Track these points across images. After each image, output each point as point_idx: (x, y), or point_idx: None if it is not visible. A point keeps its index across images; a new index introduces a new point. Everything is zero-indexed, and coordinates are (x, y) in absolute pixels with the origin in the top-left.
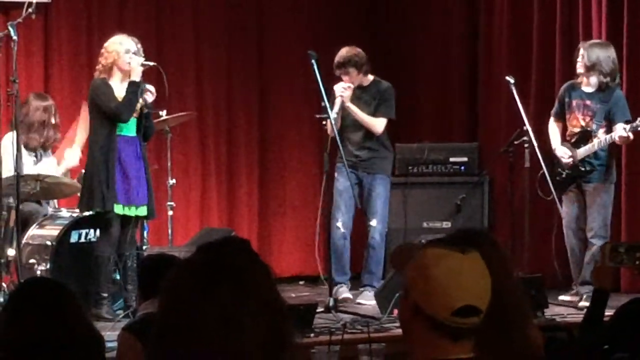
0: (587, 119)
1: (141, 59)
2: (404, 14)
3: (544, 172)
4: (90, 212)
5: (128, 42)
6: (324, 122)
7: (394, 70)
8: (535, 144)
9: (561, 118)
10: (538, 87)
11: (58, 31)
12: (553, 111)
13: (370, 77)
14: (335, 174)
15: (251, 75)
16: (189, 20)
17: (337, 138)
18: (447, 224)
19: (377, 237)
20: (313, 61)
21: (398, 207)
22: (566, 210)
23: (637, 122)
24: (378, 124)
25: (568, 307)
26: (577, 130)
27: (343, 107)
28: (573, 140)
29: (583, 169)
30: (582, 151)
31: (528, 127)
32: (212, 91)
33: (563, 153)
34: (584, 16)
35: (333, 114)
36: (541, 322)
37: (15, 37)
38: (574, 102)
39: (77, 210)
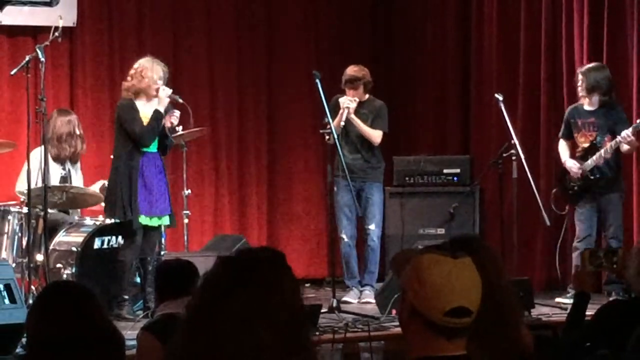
0: (594, 134)
1: (169, 91)
2: (403, 36)
3: (557, 189)
4: (114, 220)
5: (159, 70)
6: (327, 137)
7: (393, 88)
8: (522, 157)
9: (569, 137)
10: (525, 104)
11: (82, 53)
12: (560, 133)
13: (366, 95)
14: (335, 188)
15: (260, 93)
16: (202, 41)
17: (340, 150)
18: (441, 231)
19: (375, 240)
20: (317, 80)
21: (396, 215)
22: (581, 227)
23: (638, 122)
24: (377, 136)
25: (553, 307)
26: (586, 145)
27: (346, 119)
28: (582, 155)
29: (593, 177)
30: (590, 162)
31: (515, 140)
32: (224, 108)
33: (572, 164)
34: (567, 38)
35: (340, 123)
36: (529, 321)
37: (43, 59)
38: (580, 122)
39: (101, 219)
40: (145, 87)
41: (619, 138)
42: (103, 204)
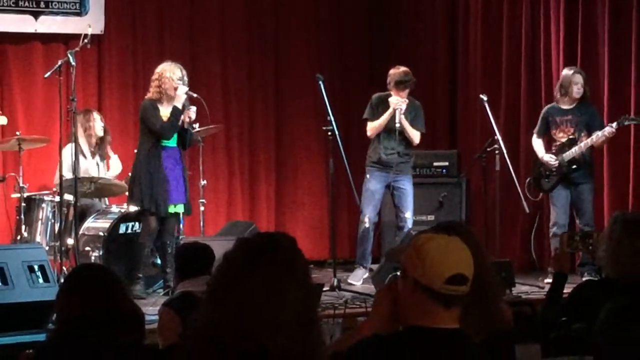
0: (572, 129)
1: (186, 88)
2: (397, 43)
3: (529, 180)
4: (136, 208)
5: (177, 71)
6: (329, 133)
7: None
8: (504, 151)
9: (544, 134)
10: (507, 104)
11: (109, 58)
12: (536, 130)
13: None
14: (367, 176)
15: (269, 93)
16: (216, 47)
17: (341, 145)
18: (431, 217)
19: (409, 224)
20: (320, 83)
21: (391, 203)
22: (556, 212)
23: (622, 119)
24: (417, 137)
25: (531, 286)
26: (564, 140)
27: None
28: (559, 148)
29: (570, 168)
30: (569, 154)
31: (498, 137)
32: (236, 107)
33: (549, 158)
34: (545, 45)
35: (396, 124)
36: (510, 298)
37: (73, 63)
38: (557, 119)
39: (125, 206)
40: (166, 88)
41: (594, 137)
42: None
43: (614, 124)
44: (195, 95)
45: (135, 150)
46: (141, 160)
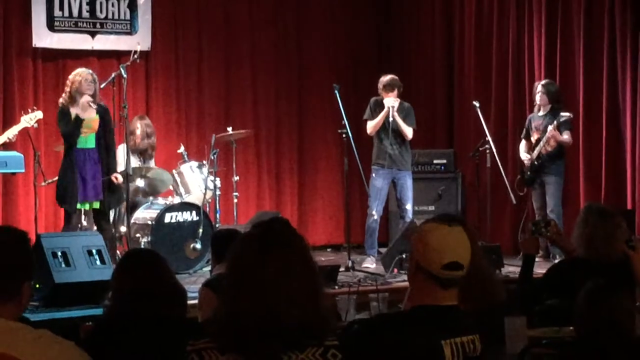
0: (540, 132)
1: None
2: (401, 57)
3: (519, 176)
4: (181, 200)
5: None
6: (344, 135)
7: None
8: (494, 150)
9: (527, 138)
10: (496, 109)
11: (155, 71)
12: (522, 134)
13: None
14: (373, 174)
15: (293, 100)
16: (247, 61)
17: (353, 144)
18: (431, 207)
19: (410, 215)
20: (336, 92)
21: (395, 195)
22: (535, 205)
23: (555, 122)
24: (410, 132)
25: (518, 267)
26: (534, 141)
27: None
28: (533, 147)
29: (537, 164)
30: (535, 152)
31: (489, 138)
32: (264, 112)
33: (525, 158)
34: (529, 58)
35: (389, 119)
36: (499, 277)
37: (125, 75)
38: (534, 124)
39: (170, 199)
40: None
41: (549, 133)
42: (171, 187)
43: (551, 126)
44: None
45: (181, 150)
46: None
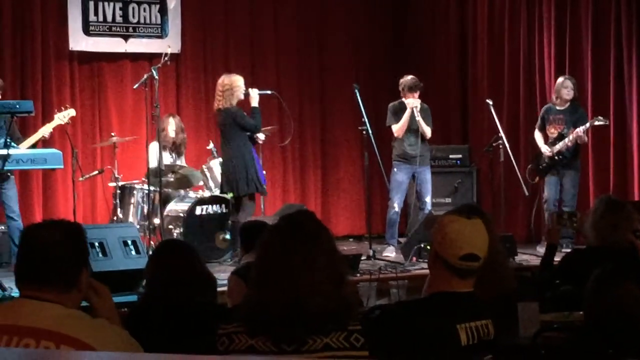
0: (562, 127)
1: (257, 90)
2: (417, 59)
3: (530, 166)
4: (211, 194)
5: (240, 79)
6: (364, 132)
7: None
8: (507, 146)
9: (542, 129)
10: (508, 107)
11: (185, 72)
12: (537, 125)
13: None
14: (395, 169)
15: (315, 100)
16: (272, 62)
17: (373, 142)
18: (448, 200)
19: (429, 207)
20: (356, 91)
21: (414, 189)
22: (548, 191)
23: (587, 124)
24: (429, 131)
25: (531, 255)
26: (555, 135)
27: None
28: (552, 141)
29: (557, 158)
30: (558, 147)
31: (502, 134)
32: (289, 110)
33: (546, 150)
34: (539, 57)
35: (417, 117)
36: (513, 265)
37: (156, 77)
38: (551, 117)
39: (200, 193)
40: (238, 94)
41: (575, 133)
42: (201, 182)
43: (581, 128)
44: (269, 92)
45: (210, 147)
46: (235, 154)
